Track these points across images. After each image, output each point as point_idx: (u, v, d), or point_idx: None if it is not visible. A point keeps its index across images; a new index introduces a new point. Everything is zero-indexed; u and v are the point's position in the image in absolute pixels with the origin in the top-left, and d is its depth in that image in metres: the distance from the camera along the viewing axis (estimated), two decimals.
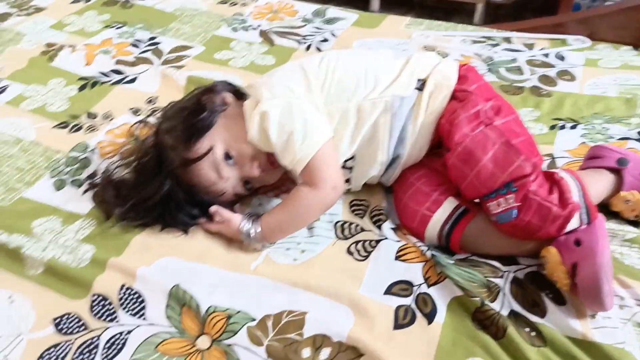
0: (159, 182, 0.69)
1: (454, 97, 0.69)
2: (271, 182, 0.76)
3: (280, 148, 0.66)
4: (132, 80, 1.05)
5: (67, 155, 0.86)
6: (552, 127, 0.92)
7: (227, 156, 0.70)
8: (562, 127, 0.92)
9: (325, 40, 1.20)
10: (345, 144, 0.70)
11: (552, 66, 1.09)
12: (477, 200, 0.68)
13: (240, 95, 0.76)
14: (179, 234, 0.71)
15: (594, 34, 1.17)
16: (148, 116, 0.92)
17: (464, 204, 0.68)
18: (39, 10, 1.32)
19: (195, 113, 0.70)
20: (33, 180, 0.81)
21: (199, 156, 0.68)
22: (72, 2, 1.35)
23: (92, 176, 0.81)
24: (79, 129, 0.92)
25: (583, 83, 1.03)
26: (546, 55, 1.13)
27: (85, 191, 0.77)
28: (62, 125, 0.93)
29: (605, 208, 0.72)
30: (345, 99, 0.69)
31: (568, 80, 1.05)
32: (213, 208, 0.69)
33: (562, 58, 1.12)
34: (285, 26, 1.26)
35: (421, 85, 0.70)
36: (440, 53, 1.14)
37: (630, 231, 0.71)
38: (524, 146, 0.65)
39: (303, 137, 0.65)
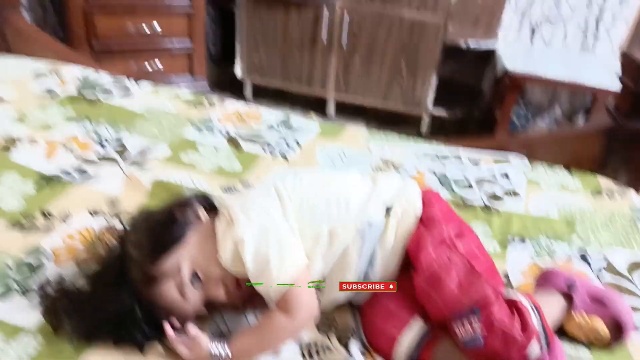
0: (118, 297, 0.66)
1: (419, 221, 0.73)
2: (234, 302, 0.74)
3: (256, 275, 0.66)
4: (94, 180, 1.03)
5: (17, 259, 0.81)
6: (503, 245, 0.98)
7: (194, 276, 0.68)
8: (512, 244, 0.98)
9: (290, 148, 1.26)
10: (317, 266, 0.71)
11: (498, 184, 1.19)
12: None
13: (213, 209, 0.76)
14: (134, 350, 0.66)
15: (532, 156, 1.30)
16: (113, 225, 0.89)
17: (432, 325, 0.69)
18: (0, 101, 1.30)
19: (165, 227, 0.69)
20: None
21: (164, 274, 0.66)
22: (36, 95, 1.35)
23: (44, 285, 0.76)
24: (33, 229, 0.88)
25: (527, 202, 1.13)
26: (492, 173, 1.24)
27: (37, 303, 0.72)
28: (15, 225, 0.88)
29: (561, 331, 0.76)
30: (317, 223, 0.72)
31: (513, 198, 1.14)
32: (189, 326, 0.66)
33: (506, 176, 1.23)
34: (251, 133, 1.31)
35: (389, 211, 0.74)
36: (396, 166, 1.22)
37: (585, 354, 0.75)
38: (487, 272, 0.69)
39: (279, 266, 0.66)
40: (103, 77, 1.50)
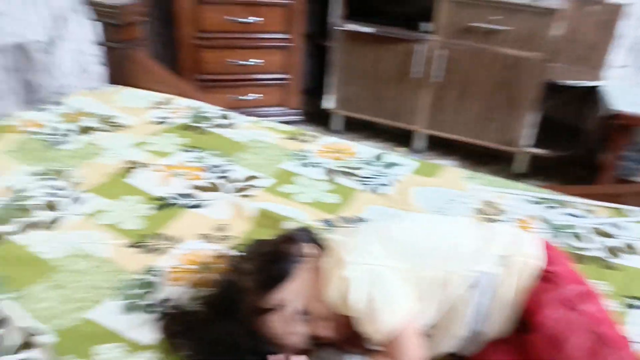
0: (230, 324, 0.69)
1: (540, 277, 0.68)
2: (339, 341, 0.74)
3: (362, 316, 0.66)
4: (204, 206, 1.09)
5: (136, 277, 0.87)
6: (624, 305, 0.89)
7: (301, 312, 0.70)
8: (636, 307, 0.89)
9: (384, 184, 1.25)
10: (425, 314, 0.69)
11: (613, 237, 1.09)
12: None
13: (319, 245, 0.77)
14: None
15: None
16: (226, 250, 0.93)
17: None
18: (121, 127, 1.44)
19: (275, 261, 0.71)
20: (101, 300, 0.81)
21: (273, 307, 0.68)
22: (152, 124, 1.48)
23: (159, 303, 0.81)
24: (150, 250, 0.95)
25: None
26: (606, 224, 1.14)
27: (154, 320, 0.76)
28: (134, 244, 0.96)
29: None
30: (429, 269, 0.70)
31: (632, 254, 1.04)
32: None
33: (622, 229, 1.13)
34: (347, 167, 1.33)
35: (506, 263, 0.70)
36: (500, 210, 1.16)
37: None
38: (615, 337, 0.62)
39: (388, 310, 0.65)
40: (210, 109, 1.61)
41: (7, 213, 1.01)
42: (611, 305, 0.88)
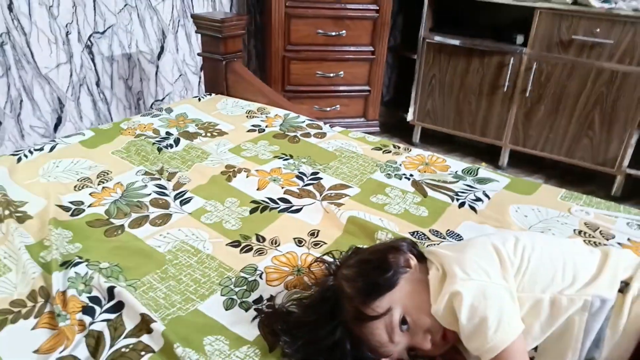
0: (331, 328, 0.71)
1: None
2: (436, 354, 0.73)
3: (469, 332, 0.65)
4: (298, 211, 1.14)
5: (237, 274, 0.92)
6: None
7: (403, 321, 0.70)
8: None
9: (478, 199, 1.22)
10: (532, 335, 0.67)
11: None
12: None
13: (420, 257, 0.77)
14: None
15: None
16: (322, 255, 0.96)
17: None
18: (221, 134, 1.53)
19: (379, 270, 0.73)
20: (207, 294, 0.87)
21: (377, 315, 0.69)
22: (248, 131, 1.56)
23: (258, 301, 0.85)
24: (249, 250, 1.00)
25: None
26: None
27: (254, 317, 0.80)
28: (235, 243, 1.02)
29: None
30: (539, 290, 0.68)
31: None
32: None
33: None
34: (436, 179, 1.32)
35: (623, 288, 0.67)
36: (605, 234, 1.10)
37: None
38: None
39: (496, 326, 0.64)
40: (300, 118, 1.67)
41: (122, 208, 1.11)
42: None
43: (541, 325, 0.67)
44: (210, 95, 1.84)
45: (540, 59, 2.30)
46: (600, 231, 1.10)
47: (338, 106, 2.68)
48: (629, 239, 1.08)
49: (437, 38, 2.57)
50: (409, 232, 1.07)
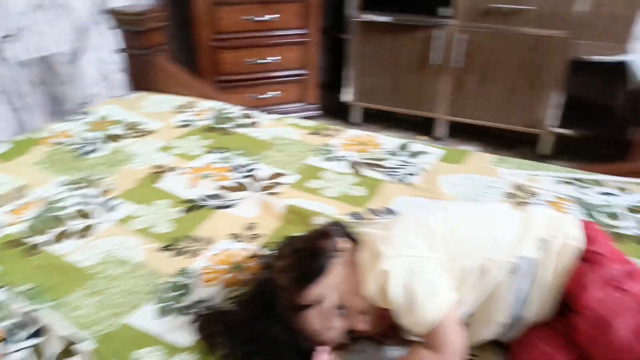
0: (268, 322, 0.69)
1: (581, 258, 0.67)
2: (374, 333, 0.73)
3: (402, 309, 0.65)
4: (232, 205, 1.10)
5: (170, 279, 0.88)
6: None
7: (338, 306, 0.70)
8: None
9: (412, 174, 1.24)
10: (465, 302, 0.68)
11: None
12: None
13: (352, 239, 0.77)
14: None
15: None
16: (258, 249, 0.93)
17: None
18: (148, 132, 1.46)
19: (311, 257, 0.71)
20: (139, 305, 0.83)
21: (311, 303, 0.68)
22: (178, 127, 1.50)
23: (195, 304, 0.82)
24: (182, 252, 0.96)
25: None
26: None
27: (191, 322, 0.77)
28: (167, 247, 0.97)
29: None
30: (468, 258, 0.69)
31: None
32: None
33: None
34: (372, 158, 1.32)
35: (545, 245, 0.69)
36: (531, 193, 1.14)
37: None
38: None
39: (429, 300, 0.64)
40: (232, 109, 1.62)
41: (41, 224, 1.04)
42: None
43: (472, 292, 0.68)
44: (136, 93, 1.75)
45: (466, 29, 2.35)
46: (527, 191, 1.14)
47: (276, 93, 2.63)
48: (554, 197, 1.13)
49: (366, 16, 2.57)
50: (348, 214, 1.07)
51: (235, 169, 1.26)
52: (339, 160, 1.31)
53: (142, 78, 1.77)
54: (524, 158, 1.34)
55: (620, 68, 2.39)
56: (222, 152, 1.34)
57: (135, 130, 1.47)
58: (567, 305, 0.66)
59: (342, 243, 0.74)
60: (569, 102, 2.37)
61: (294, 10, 2.46)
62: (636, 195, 1.13)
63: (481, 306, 0.68)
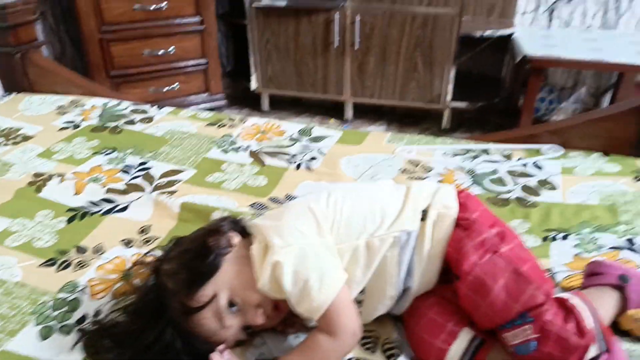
0: (159, 330, 0.65)
1: (457, 225, 0.70)
2: (273, 325, 0.72)
3: (296, 297, 0.65)
4: (124, 209, 1.04)
5: (54, 297, 0.81)
6: (545, 239, 0.94)
7: (231, 304, 0.68)
8: (554, 239, 0.94)
9: (313, 158, 1.24)
10: (356, 280, 0.69)
11: (531, 176, 1.15)
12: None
13: (244, 232, 0.75)
14: None
15: (566, 143, 1.25)
16: (146, 253, 0.87)
17: (480, 335, 0.66)
18: (26, 138, 1.33)
19: (199, 257, 0.68)
20: (17, 329, 0.75)
21: (202, 305, 0.65)
22: (61, 129, 1.37)
23: (81, 320, 0.76)
24: (68, 265, 0.88)
25: (564, 192, 1.08)
26: (524, 165, 1.19)
27: (76, 341, 0.71)
28: (50, 262, 0.89)
29: (614, 326, 0.72)
30: (354, 237, 0.70)
31: (550, 190, 1.09)
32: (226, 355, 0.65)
33: (539, 167, 1.18)
34: (274, 146, 1.30)
35: (424, 216, 0.71)
36: (425, 167, 1.19)
37: None
38: (534, 273, 0.65)
39: (319, 285, 0.64)
40: (123, 105, 1.52)
41: None
42: (532, 241, 0.93)
43: (362, 269, 0.69)
44: (9, 95, 1.58)
45: (361, 11, 2.39)
46: (421, 166, 1.19)
47: (177, 84, 2.52)
48: (445, 167, 1.19)
49: (264, 1, 2.52)
50: (249, 205, 1.05)
51: (126, 169, 1.18)
52: (240, 150, 1.28)
53: (15, 78, 1.60)
54: (428, 134, 1.40)
55: (506, 42, 2.57)
56: (110, 153, 1.25)
57: (11, 137, 1.33)
58: (451, 272, 0.69)
59: (232, 238, 0.72)
60: (462, 77, 2.50)
61: None
62: (518, 160, 1.22)
63: (372, 282, 0.70)
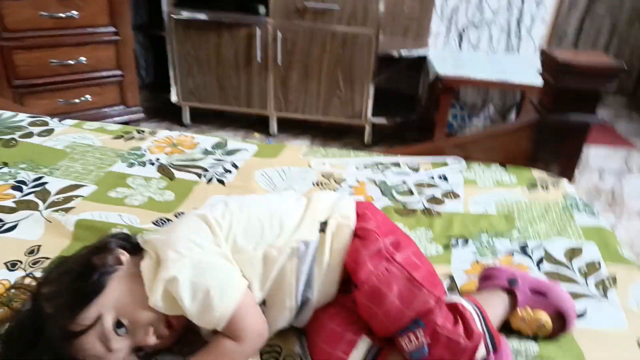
0: (39, 356, 0.60)
1: (355, 235, 0.71)
2: (167, 345, 0.69)
3: (196, 311, 0.62)
4: (12, 229, 0.95)
5: None
6: (446, 247, 0.98)
7: (118, 324, 0.63)
8: (455, 245, 0.98)
9: (227, 171, 1.22)
10: (255, 292, 0.68)
11: (437, 187, 1.20)
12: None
13: (137, 249, 0.71)
14: None
15: (468, 156, 1.32)
16: (25, 275, 0.80)
17: (379, 343, 0.67)
18: None
19: (82, 276, 0.63)
20: None
21: (84, 329, 0.60)
22: None
23: None
24: None
25: (466, 202, 1.14)
26: (431, 177, 1.25)
27: None
28: None
29: (506, 326, 0.76)
30: (251, 248, 0.69)
31: (453, 200, 1.15)
32: None
33: (445, 178, 1.24)
34: (185, 159, 1.26)
35: (323, 227, 0.72)
36: (337, 180, 1.20)
37: (532, 347, 0.75)
38: (426, 279, 0.67)
39: (220, 294, 0.62)
40: (19, 117, 1.41)
41: None
42: (434, 248, 0.97)
43: (260, 280, 0.68)
44: None
45: (282, 27, 2.42)
46: (334, 178, 1.21)
47: (88, 96, 2.38)
48: (357, 180, 1.21)
49: (184, 13, 2.48)
50: (152, 221, 1.00)
51: (18, 186, 1.09)
52: (148, 164, 1.23)
53: None
54: (350, 148, 1.42)
55: (421, 62, 2.71)
56: (1, 168, 1.15)
57: None
58: (350, 281, 0.70)
59: (120, 255, 0.68)
60: (382, 94, 2.60)
61: (98, 6, 2.25)
62: (425, 172, 1.27)
63: (271, 294, 0.69)
